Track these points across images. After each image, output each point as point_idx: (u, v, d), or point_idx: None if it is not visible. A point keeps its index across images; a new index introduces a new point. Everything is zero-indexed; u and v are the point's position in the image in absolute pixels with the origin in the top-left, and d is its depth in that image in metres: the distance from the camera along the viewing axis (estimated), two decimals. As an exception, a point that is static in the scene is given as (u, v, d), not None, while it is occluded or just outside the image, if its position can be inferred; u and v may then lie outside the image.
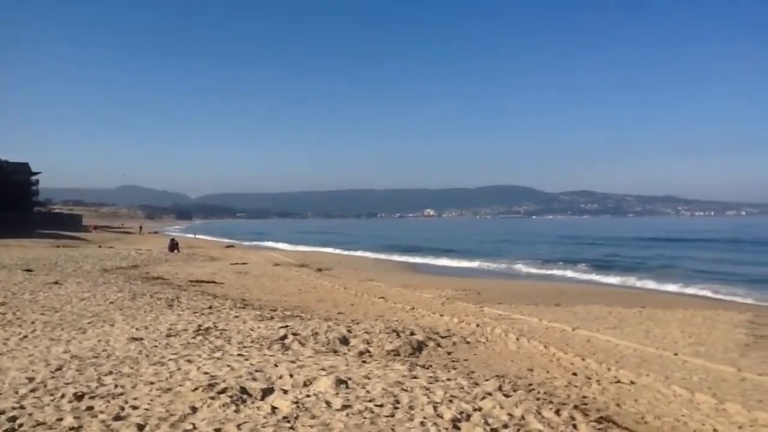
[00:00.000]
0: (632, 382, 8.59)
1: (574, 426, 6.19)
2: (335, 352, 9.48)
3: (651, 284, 26.09)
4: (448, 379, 7.71)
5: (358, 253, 50.03)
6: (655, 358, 10.39)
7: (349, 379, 7.19)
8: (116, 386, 6.69)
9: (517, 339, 11.51)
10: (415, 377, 7.63)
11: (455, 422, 5.93)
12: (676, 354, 10.60)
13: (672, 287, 24.75)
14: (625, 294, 22.08)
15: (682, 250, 51.64)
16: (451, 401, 6.59)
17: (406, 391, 6.87)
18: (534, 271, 33.86)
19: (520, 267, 35.78)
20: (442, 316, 14.28)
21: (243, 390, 6.49)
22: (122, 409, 5.92)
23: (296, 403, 6.19)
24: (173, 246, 40.43)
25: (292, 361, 8.17)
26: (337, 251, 52.98)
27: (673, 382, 8.61)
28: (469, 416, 6.14)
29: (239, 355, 8.55)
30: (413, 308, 15.49)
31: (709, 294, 22.49)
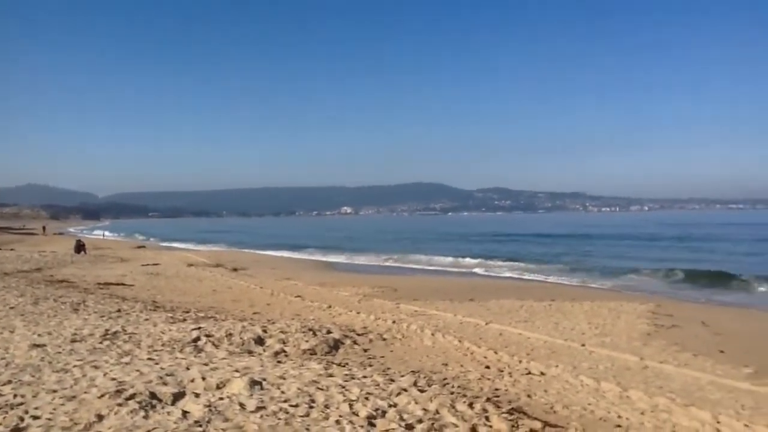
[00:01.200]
0: (542, 374, 8.86)
1: (487, 418, 6.32)
2: (250, 352, 9.34)
3: (560, 278, 27.03)
4: (364, 377, 7.73)
5: (275, 252, 49.49)
6: (564, 349, 10.77)
7: (264, 379, 7.09)
8: (15, 396, 6.34)
9: (433, 334, 11.66)
10: (331, 376, 7.60)
11: (370, 419, 5.94)
12: (583, 345, 11.02)
13: (580, 280, 25.74)
14: (536, 288, 22.77)
15: (589, 244, 53.73)
16: (366, 398, 6.60)
17: (322, 390, 6.84)
18: (449, 267, 34.44)
19: (436, 263, 36.30)
20: (358, 313, 14.30)
21: (152, 395, 6.28)
22: (21, 419, 5.61)
23: (208, 406, 6.04)
24: (79, 247, 38.77)
25: (205, 364, 7.98)
26: (254, 250, 52.22)
27: (580, 372, 8.94)
28: (384, 412, 6.17)
29: (149, 359, 8.28)
30: (330, 306, 15.45)
31: (613, 286, 23.51)
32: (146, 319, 12.02)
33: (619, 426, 6.63)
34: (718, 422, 6.75)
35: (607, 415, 6.97)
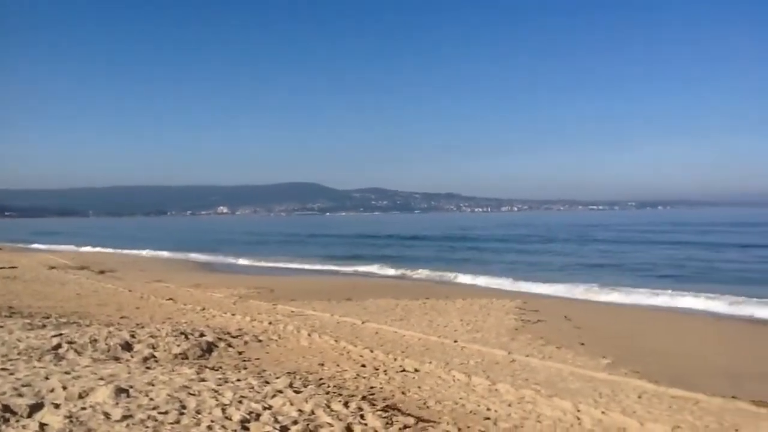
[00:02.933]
0: (416, 370, 9.07)
1: (362, 416, 6.39)
2: (117, 359, 8.91)
3: (436, 277, 27.75)
4: (238, 380, 7.59)
5: (146, 253, 47.50)
6: (438, 346, 11.08)
7: (131, 387, 6.78)
8: None
9: (309, 335, 11.63)
10: (203, 380, 7.39)
11: (244, 423, 5.83)
12: (455, 341, 11.38)
13: (453, 279, 26.53)
14: (411, 287, 23.26)
15: (461, 245, 55.54)
16: (240, 402, 6.48)
17: (194, 395, 6.63)
18: (327, 267, 34.46)
19: (314, 263, 36.22)
20: (234, 315, 14.02)
21: (6, 408, 5.84)
22: None
23: (69, 417, 5.69)
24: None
25: (67, 372, 7.51)
26: (123, 251, 49.84)
27: (452, 367, 9.23)
28: (258, 416, 6.08)
29: (3, 369, 7.68)
30: (204, 309, 15.04)
31: (485, 284, 24.42)
32: (0, 327, 11.17)
33: (487, 418, 6.90)
34: (578, 410, 7.19)
35: (477, 408, 7.24)
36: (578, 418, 6.95)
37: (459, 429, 6.45)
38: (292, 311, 14.97)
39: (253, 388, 7.16)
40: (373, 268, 32.60)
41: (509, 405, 7.42)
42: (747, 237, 53.34)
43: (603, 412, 7.10)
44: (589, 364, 9.95)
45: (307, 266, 35.08)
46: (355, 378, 8.49)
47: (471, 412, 7.13)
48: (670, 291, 20.26)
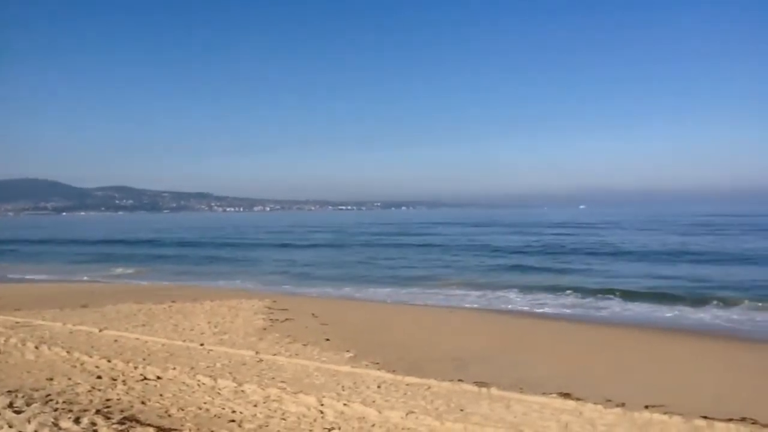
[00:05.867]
0: (159, 378, 8.69)
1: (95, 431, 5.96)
2: None
3: (183, 279, 26.89)
4: (-56, 404, 6.64)
5: None
6: (183, 350, 10.72)
7: None
8: None
9: (37, 347, 10.58)
10: None
11: (-51, 453, 5.13)
12: (202, 344, 11.11)
13: (202, 281, 25.94)
14: (156, 290, 22.20)
15: (212, 249, 54.51)
16: (-55, 430, 5.68)
17: None
18: (60, 274, 31.54)
19: (45, 270, 32.97)
20: (-58, 330, 12.23)
21: None
22: None
23: None
24: None
25: None
26: None
27: (198, 371, 9.00)
28: (-32, 443, 5.39)
29: None
30: None
31: (235, 285, 24.24)
32: None
33: (232, 420, 6.83)
34: (321, 405, 7.43)
35: (222, 412, 7.14)
36: (322, 412, 7.17)
37: (202, 434, 6.30)
38: (17, 322, 13.48)
39: (-38, 412, 6.32)
40: (114, 272, 30.67)
41: (255, 405, 7.42)
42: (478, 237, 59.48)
43: (345, 404, 7.41)
44: (333, 359, 10.33)
45: (36, 276, 31.73)
46: (89, 391, 7.88)
47: (215, 415, 7.00)
48: (397, 287, 22.50)
